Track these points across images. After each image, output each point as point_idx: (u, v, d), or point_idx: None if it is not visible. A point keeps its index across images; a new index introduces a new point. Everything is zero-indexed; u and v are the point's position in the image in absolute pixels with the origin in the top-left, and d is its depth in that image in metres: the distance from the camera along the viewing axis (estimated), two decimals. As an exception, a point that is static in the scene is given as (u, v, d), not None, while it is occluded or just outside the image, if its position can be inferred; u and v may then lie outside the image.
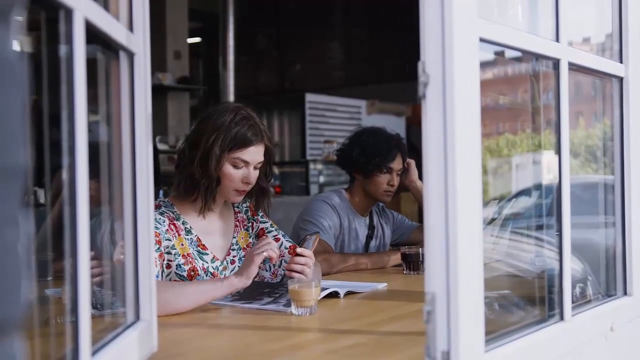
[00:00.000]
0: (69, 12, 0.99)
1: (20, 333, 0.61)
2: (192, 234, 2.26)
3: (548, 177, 2.01)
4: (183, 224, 2.26)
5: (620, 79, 1.85)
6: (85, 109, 1.02)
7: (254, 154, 2.24)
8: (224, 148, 2.19)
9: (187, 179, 2.24)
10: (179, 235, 2.22)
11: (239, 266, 2.32)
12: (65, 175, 1.00)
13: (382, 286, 2.40)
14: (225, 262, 2.32)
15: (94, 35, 1.11)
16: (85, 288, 1.02)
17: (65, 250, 1.02)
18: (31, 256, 0.61)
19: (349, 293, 2.23)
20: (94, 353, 1.09)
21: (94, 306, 1.22)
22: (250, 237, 2.43)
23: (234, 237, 2.38)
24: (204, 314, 1.94)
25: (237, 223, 2.41)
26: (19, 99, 0.59)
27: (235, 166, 2.23)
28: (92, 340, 1.05)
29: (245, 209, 2.46)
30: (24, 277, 0.59)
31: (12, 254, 0.57)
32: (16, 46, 0.61)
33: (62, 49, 1.01)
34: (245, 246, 2.40)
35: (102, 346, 1.16)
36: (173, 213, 2.25)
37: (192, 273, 2.20)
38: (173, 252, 2.18)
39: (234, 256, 2.36)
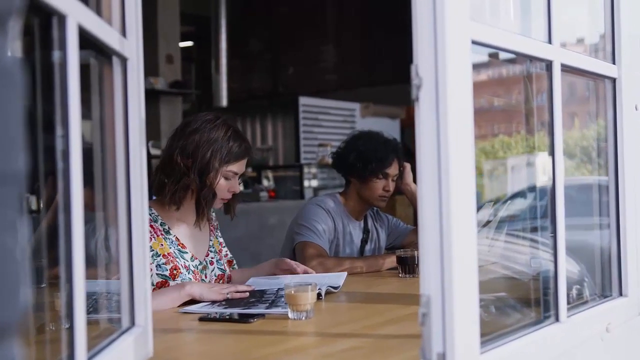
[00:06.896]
0: (62, 18, 0.99)
1: (19, 338, 0.62)
2: (171, 234, 2.33)
3: (543, 179, 2.01)
4: (161, 225, 2.32)
5: (613, 80, 1.86)
6: (79, 114, 1.02)
7: (243, 166, 2.39)
8: (222, 162, 2.30)
9: (182, 189, 2.30)
10: (158, 236, 2.29)
11: (217, 267, 2.46)
12: (59, 181, 1.00)
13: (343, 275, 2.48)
14: (204, 262, 2.41)
15: (86, 40, 1.11)
16: (80, 294, 1.01)
17: (60, 257, 1.02)
18: (28, 262, 0.62)
19: (328, 293, 2.25)
20: (90, 359, 1.09)
21: (88, 311, 1.22)
22: (218, 243, 2.55)
23: (210, 240, 2.49)
24: (200, 319, 1.94)
25: (212, 228, 2.52)
26: (19, 106, 0.59)
27: (226, 178, 2.34)
28: (87, 346, 1.05)
29: (214, 216, 2.57)
30: (22, 283, 0.59)
31: (12, 259, 0.57)
32: (14, 53, 0.62)
33: (56, 55, 1.01)
34: (217, 250, 2.51)
35: (98, 352, 1.16)
36: (150, 215, 2.30)
37: (175, 272, 2.27)
38: (151, 253, 2.22)
39: (211, 257, 2.46)
